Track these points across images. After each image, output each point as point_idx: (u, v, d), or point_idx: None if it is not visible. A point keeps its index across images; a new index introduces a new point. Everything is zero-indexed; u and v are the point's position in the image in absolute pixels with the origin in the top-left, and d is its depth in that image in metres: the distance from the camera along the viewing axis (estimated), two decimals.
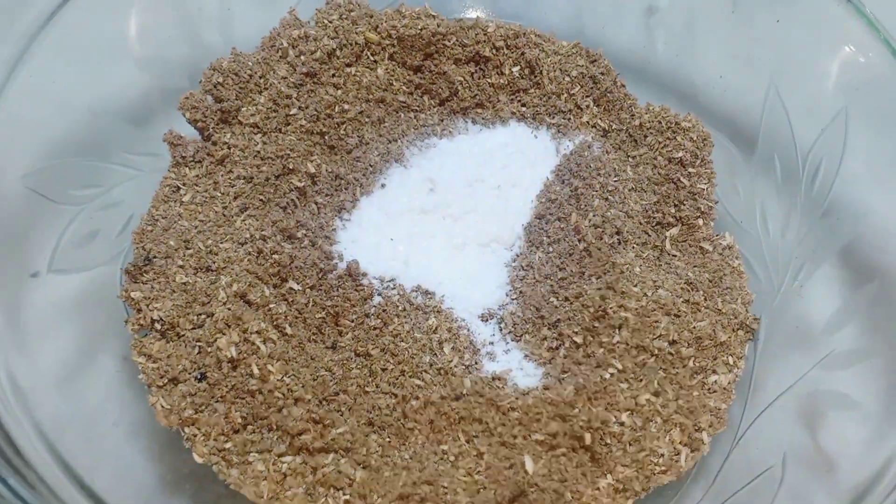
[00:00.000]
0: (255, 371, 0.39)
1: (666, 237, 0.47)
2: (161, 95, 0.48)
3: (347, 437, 0.39)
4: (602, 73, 0.51)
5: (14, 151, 0.39)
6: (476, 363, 0.42)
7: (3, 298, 0.37)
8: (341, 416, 0.40)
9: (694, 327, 0.42)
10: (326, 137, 0.48)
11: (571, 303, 0.43)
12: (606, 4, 0.59)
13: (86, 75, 0.45)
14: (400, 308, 0.43)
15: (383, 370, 0.42)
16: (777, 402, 0.39)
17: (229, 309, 0.40)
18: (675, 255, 0.46)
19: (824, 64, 0.45)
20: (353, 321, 0.43)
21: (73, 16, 0.46)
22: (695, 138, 0.49)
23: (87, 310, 0.42)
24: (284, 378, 0.39)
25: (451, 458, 0.39)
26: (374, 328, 0.43)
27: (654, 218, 0.48)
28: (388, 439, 0.40)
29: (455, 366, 0.42)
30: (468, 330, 0.43)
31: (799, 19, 0.49)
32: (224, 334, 0.39)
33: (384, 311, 0.43)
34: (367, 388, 0.41)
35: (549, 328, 0.44)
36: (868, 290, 0.39)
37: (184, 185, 0.46)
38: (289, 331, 0.41)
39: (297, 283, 0.43)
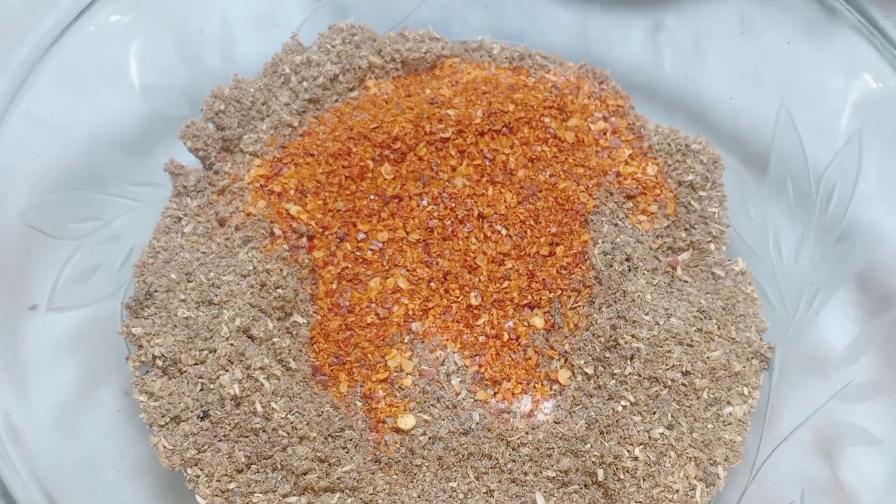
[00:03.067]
0: (259, 409, 0.38)
1: (677, 262, 0.46)
2: (161, 124, 0.47)
3: (353, 476, 0.38)
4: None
5: (11, 186, 0.38)
6: (484, 396, 0.41)
7: (2, 336, 0.36)
8: (347, 453, 0.39)
9: (708, 357, 0.41)
10: None
11: (582, 332, 0.43)
12: (612, 23, 0.58)
13: (84, 105, 0.45)
14: (404, 340, 0.42)
15: (389, 406, 0.41)
16: (794, 434, 0.38)
17: (232, 344, 0.39)
18: (686, 282, 0.45)
19: (836, 86, 0.44)
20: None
21: (71, 45, 0.45)
22: (705, 161, 0.48)
23: (86, 346, 0.41)
24: (289, 416, 0.38)
25: (461, 496, 0.38)
26: (379, 362, 0.42)
27: (665, 243, 0.46)
28: (395, 477, 0.39)
29: (462, 399, 0.41)
30: (475, 362, 0.42)
31: (809, 40, 0.48)
32: (227, 371, 0.39)
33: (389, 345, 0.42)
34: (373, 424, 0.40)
35: (558, 358, 0.43)
36: (886, 319, 0.38)
37: (185, 215, 0.45)
38: (293, 365, 0.40)
39: (302, 317, 0.43)
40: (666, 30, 0.59)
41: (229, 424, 0.38)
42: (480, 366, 0.42)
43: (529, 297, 0.44)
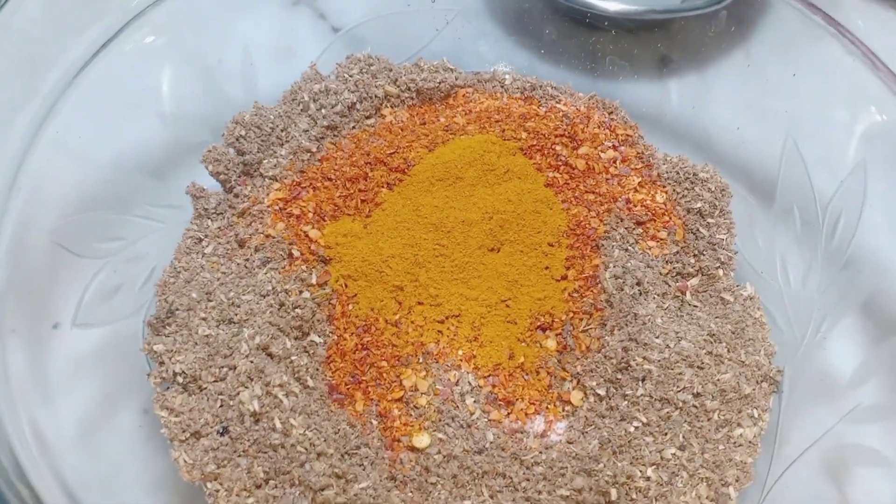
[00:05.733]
0: (278, 425, 0.38)
1: (687, 287, 0.47)
2: (183, 148, 0.49)
3: (370, 493, 0.38)
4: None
5: (40, 207, 0.39)
6: (498, 416, 0.42)
7: (29, 352, 0.37)
8: (363, 470, 0.39)
9: (718, 380, 0.42)
10: None
11: (593, 354, 0.43)
12: (619, 57, 0.60)
13: (109, 130, 0.46)
14: (419, 360, 0.43)
15: (405, 424, 0.42)
16: (803, 455, 0.38)
17: (252, 362, 0.40)
18: (696, 306, 0.46)
19: (841, 117, 0.45)
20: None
21: (97, 72, 0.46)
22: (713, 189, 0.49)
23: (108, 363, 0.42)
24: (306, 432, 0.39)
25: None
26: (394, 381, 0.43)
27: (674, 268, 0.47)
28: (410, 494, 0.40)
29: (476, 419, 0.42)
30: (489, 382, 0.43)
31: (814, 73, 0.50)
32: (246, 388, 0.39)
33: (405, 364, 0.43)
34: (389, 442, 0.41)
35: (570, 380, 0.43)
36: (892, 344, 0.39)
37: (206, 236, 0.46)
38: (310, 383, 0.41)
39: (319, 337, 0.43)
40: (673, 63, 0.61)
41: (248, 440, 0.38)
42: (494, 386, 0.43)
43: (542, 319, 0.45)
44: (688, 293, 0.47)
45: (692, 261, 0.48)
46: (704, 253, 0.48)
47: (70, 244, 0.40)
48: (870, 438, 0.36)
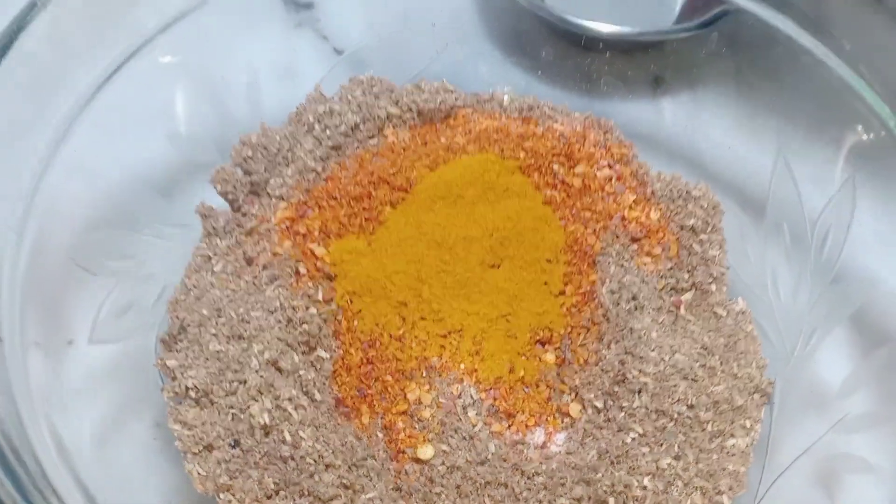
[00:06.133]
0: (288, 437, 0.40)
1: (681, 302, 0.48)
2: (192, 168, 0.50)
3: (377, 503, 0.40)
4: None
5: (57, 225, 0.41)
6: (499, 428, 0.43)
7: (48, 365, 0.38)
8: (370, 481, 0.41)
9: (711, 391, 0.43)
10: None
11: (591, 367, 0.45)
12: (613, 77, 0.62)
13: (120, 150, 0.47)
14: (423, 374, 0.44)
15: (409, 437, 0.43)
16: (794, 464, 0.40)
17: (261, 376, 0.41)
18: (689, 320, 0.48)
19: (830, 134, 0.47)
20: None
21: (107, 96, 0.48)
22: (705, 206, 0.51)
23: (122, 378, 0.44)
24: (315, 444, 0.40)
25: None
26: (398, 395, 0.44)
27: (669, 283, 0.49)
28: None
29: (479, 431, 0.43)
30: (490, 395, 0.44)
31: (804, 91, 0.51)
32: (257, 401, 0.41)
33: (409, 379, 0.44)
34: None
35: (569, 392, 0.45)
36: (880, 355, 0.41)
37: (215, 254, 0.48)
38: (318, 397, 0.43)
39: (326, 352, 0.45)
40: (666, 83, 0.63)
41: (259, 452, 0.40)
42: (495, 399, 0.44)
43: (541, 333, 0.46)
44: (682, 308, 0.48)
45: (686, 276, 0.49)
46: (698, 268, 0.49)
47: (85, 262, 0.42)
48: (859, 447, 0.37)
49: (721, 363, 0.45)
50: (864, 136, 0.45)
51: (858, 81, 0.48)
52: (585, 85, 0.62)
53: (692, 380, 0.44)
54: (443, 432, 0.43)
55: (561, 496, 0.40)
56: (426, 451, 0.42)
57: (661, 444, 0.42)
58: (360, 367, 0.45)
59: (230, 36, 0.57)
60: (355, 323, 0.46)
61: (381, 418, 0.44)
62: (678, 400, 0.43)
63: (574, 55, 0.63)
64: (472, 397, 0.44)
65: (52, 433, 0.35)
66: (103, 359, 0.43)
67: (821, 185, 0.47)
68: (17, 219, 0.40)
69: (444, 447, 0.42)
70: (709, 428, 0.42)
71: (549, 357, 0.46)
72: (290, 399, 0.41)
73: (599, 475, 0.40)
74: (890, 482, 0.33)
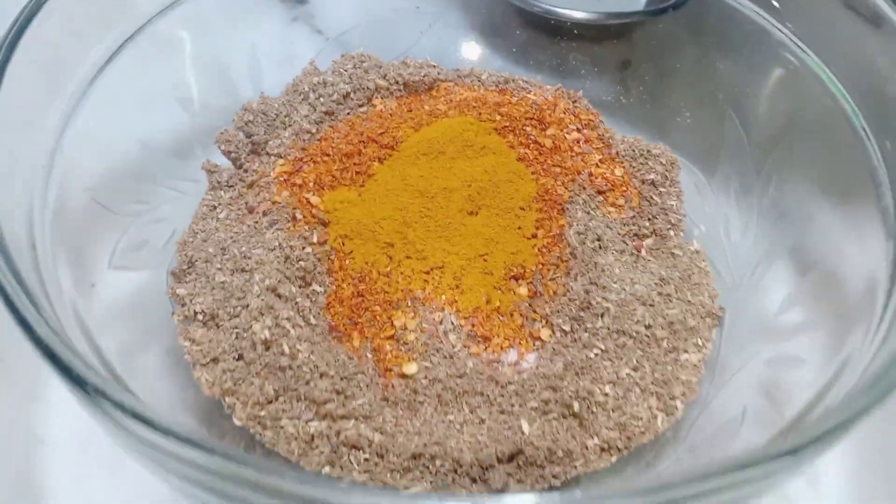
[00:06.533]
0: (286, 349, 0.44)
1: (642, 246, 0.53)
2: (201, 133, 0.55)
3: (366, 408, 0.44)
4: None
5: (80, 169, 0.46)
6: (477, 350, 0.48)
7: (74, 299, 0.43)
8: (360, 391, 0.45)
9: (667, 314, 0.48)
10: None
11: (560, 298, 0.50)
12: (585, 60, 0.67)
13: (138, 115, 0.52)
14: (408, 304, 0.49)
15: (395, 357, 0.48)
16: (739, 374, 0.44)
17: (262, 300, 0.46)
18: (649, 260, 0.53)
19: (772, 91, 0.53)
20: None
21: (119, 70, 0.53)
22: (664, 162, 0.56)
23: (136, 312, 0.48)
24: (311, 356, 0.45)
25: (458, 426, 0.45)
26: (386, 322, 0.49)
27: (631, 230, 0.54)
28: (401, 412, 0.45)
29: (458, 351, 0.48)
30: (469, 322, 0.49)
31: (753, 60, 0.57)
32: (258, 321, 0.45)
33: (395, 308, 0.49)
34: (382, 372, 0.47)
35: (540, 320, 0.50)
36: (811, 277, 0.46)
37: (219, 205, 0.53)
38: (313, 321, 0.47)
39: (320, 286, 0.50)
40: (632, 66, 0.68)
41: (260, 364, 0.44)
42: (473, 325, 0.49)
43: (515, 270, 0.51)
44: (643, 251, 0.53)
45: (647, 224, 0.54)
46: (657, 217, 0.54)
47: (104, 200, 0.47)
48: (793, 348, 0.42)
49: (676, 291, 0.50)
50: (802, 87, 0.50)
51: (812, 60, 0.54)
52: (558, 67, 0.67)
53: (650, 305, 0.48)
54: (426, 352, 0.47)
55: (530, 400, 0.45)
56: (411, 368, 0.47)
57: (622, 359, 0.46)
58: (351, 299, 0.50)
59: (231, 25, 0.63)
60: (347, 262, 0.51)
61: (371, 342, 0.48)
62: (637, 321, 0.47)
63: (548, 42, 0.69)
64: (452, 324, 0.49)
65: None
66: (119, 294, 0.48)
67: (765, 138, 0.52)
68: (43, 169, 0.45)
69: (427, 364, 0.47)
70: (664, 345, 0.47)
71: (522, 290, 0.51)
72: (288, 318, 0.46)
73: (565, 383, 0.45)
74: (817, 371, 0.37)
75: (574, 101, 0.60)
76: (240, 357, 0.45)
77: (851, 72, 0.51)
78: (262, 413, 0.43)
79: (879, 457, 0.47)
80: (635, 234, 0.54)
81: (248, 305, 0.46)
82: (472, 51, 0.65)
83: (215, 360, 0.45)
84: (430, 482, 0.43)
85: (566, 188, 0.54)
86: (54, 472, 0.48)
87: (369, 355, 0.48)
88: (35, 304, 0.33)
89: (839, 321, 0.40)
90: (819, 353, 0.39)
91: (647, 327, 0.47)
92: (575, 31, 0.68)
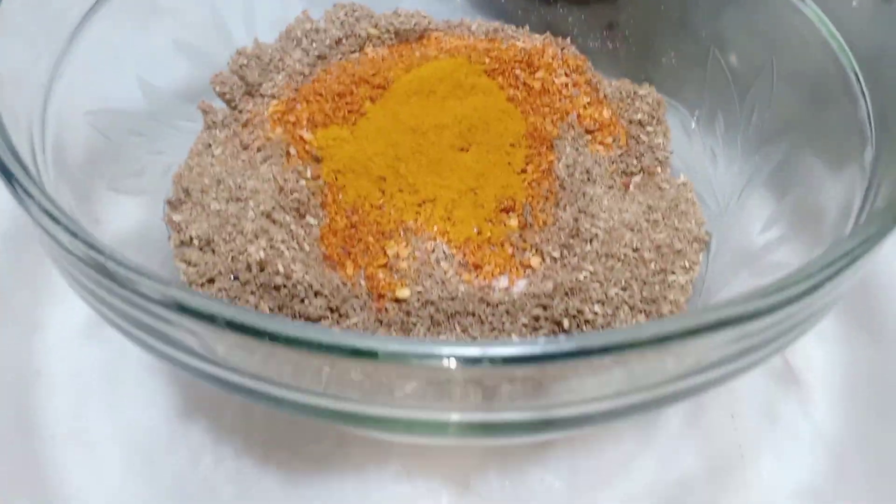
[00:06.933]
0: (281, 269, 0.45)
1: (630, 182, 0.54)
2: (197, 76, 0.56)
3: (360, 327, 0.45)
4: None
5: (79, 96, 0.47)
6: (468, 277, 0.49)
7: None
8: (355, 311, 0.46)
9: (654, 238, 0.49)
10: None
11: (549, 227, 0.51)
12: (572, 22, 0.69)
13: (136, 54, 0.53)
14: (401, 234, 0.50)
15: (388, 283, 0.48)
16: (725, 289, 0.45)
17: (257, 224, 0.47)
18: (637, 194, 0.54)
19: (752, 26, 0.54)
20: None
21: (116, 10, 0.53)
22: (650, 102, 0.57)
23: (141, 246, 0.49)
24: (305, 276, 0.45)
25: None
26: (379, 252, 0.50)
27: (619, 168, 0.55)
28: (394, 333, 0.46)
29: (450, 277, 0.49)
30: (461, 251, 0.50)
31: (744, 17, 0.58)
32: (253, 243, 0.46)
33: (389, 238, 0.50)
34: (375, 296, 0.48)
35: (530, 249, 0.51)
36: (791, 198, 0.47)
37: (214, 142, 0.54)
38: (307, 248, 0.48)
39: (314, 219, 0.50)
40: (618, 27, 0.70)
41: (256, 283, 0.45)
42: (465, 254, 0.50)
43: (505, 202, 0.52)
44: (631, 186, 0.54)
45: (634, 161, 0.56)
46: (645, 155, 0.56)
47: (103, 129, 0.48)
48: (776, 257, 0.43)
49: (664, 219, 0.51)
50: (781, 21, 0.52)
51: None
52: (544, 28, 0.68)
53: (637, 231, 0.49)
54: (418, 278, 0.48)
55: (521, 318, 0.45)
56: (403, 292, 0.48)
57: (610, 280, 0.47)
58: (344, 230, 0.50)
59: None
60: (340, 196, 0.52)
61: (364, 270, 0.49)
62: (625, 245, 0.48)
63: (536, 4, 0.70)
64: (444, 252, 0.50)
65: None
66: (125, 231, 0.49)
67: (747, 73, 0.53)
68: (40, 102, 0.46)
69: (419, 288, 0.48)
70: (652, 266, 0.48)
71: (513, 222, 0.52)
72: (282, 241, 0.46)
73: (555, 301, 0.46)
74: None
75: (562, 48, 0.61)
76: (235, 278, 0.46)
77: (842, 12, 0.52)
78: None
79: (869, 378, 0.48)
80: (623, 172, 0.55)
81: (243, 230, 0.47)
82: (459, 12, 0.66)
83: (211, 281, 0.46)
84: None
85: (555, 126, 0.55)
86: (51, 403, 0.49)
87: (363, 283, 0.49)
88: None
89: (819, 232, 0.41)
90: (799, 258, 0.40)
91: (635, 250, 0.48)
92: None
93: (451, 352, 0.25)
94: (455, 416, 0.31)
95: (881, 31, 0.47)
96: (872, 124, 0.44)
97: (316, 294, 0.45)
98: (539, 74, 0.58)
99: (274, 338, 0.25)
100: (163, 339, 0.30)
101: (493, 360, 0.26)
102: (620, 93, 0.58)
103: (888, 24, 0.46)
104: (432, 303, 0.47)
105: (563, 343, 0.26)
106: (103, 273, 0.28)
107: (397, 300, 0.48)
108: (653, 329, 0.26)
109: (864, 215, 0.37)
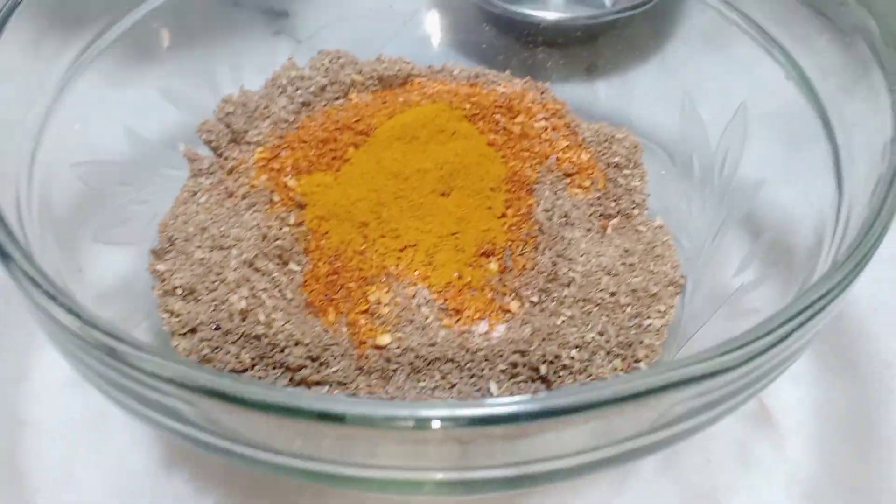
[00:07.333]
0: (262, 318, 0.46)
1: (608, 225, 0.55)
2: (184, 124, 0.58)
3: (340, 375, 0.46)
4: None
5: (66, 149, 0.48)
6: (448, 322, 0.50)
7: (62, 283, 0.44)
8: (335, 359, 0.47)
9: (630, 282, 0.50)
10: None
11: (528, 272, 0.52)
12: (553, 64, 0.70)
13: (124, 105, 0.55)
14: (382, 280, 0.51)
15: (370, 330, 0.49)
16: (700, 332, 0.46)
17: (239, 273, 0.48)
18: (614, 236, 0.55)
19: (724, 69, 0.55)
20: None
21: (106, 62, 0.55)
22: (628, 146, 0.59)
23: (123, 295, 0.50)
24: (286, 325, 0.46)
25: (429, 391, 0.46)
26: (361, 298, 0.50)
27: (597, 211, 0.56)
28: (374, 380, 0.47)
29: (431, 322, 0.49)
30: (441, 296, 0.51)
31: (716, 59, 0.60)
32: (235, 293, 0.47)
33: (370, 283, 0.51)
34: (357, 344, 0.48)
35: (510, 293, 0.51)
36: (765, 239, 0.48)
37: (200, 190, 0.55)
38: (289, 295, 0.49)
39: (297, 265, 0.51)
40: (598, 69, 0.71)
41: (237, 333, 0.46)
42: (446, 299, 0.51)
43: (486, 247, 0.53)
44: (609, 229, 0.55)
45: (612, 204, 0.57)
46: (623, 197, 0.57)
47: (88, 179, 0.49)
48: (749, 303, 0.44)
49: (640, 262, 0.52)
50: (763, 81, 0.53)
51: (767, 48, 0.56)
52: (526, 71, 0.70)
53: (614, 274, 0.50)
54: (399, 324, 0.49)
55: (499, 364, 0.46)
56: (384, 339, 0.48)
57: (587, 324, 0.48)
58: (327, 276, 0.51)
59: (214, 36, 0.65)
60: (323, 241, 0.53)
61: (346, 317, 0.50)
62: (602, 289, 0.49)
63: (517, 48, 0.71)
64: (425, 298, 0.51)
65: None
66: (107, 281, 0.50)
67: (719, 118, 0.55)
68: (27, 154, 0.47)
69: (400, 335, 0.48)
70: (628, 310, 0.49)
71: (493, 266, 0.52)
72: (264, 290, 0.47)
73: (533, 347, 0.47)
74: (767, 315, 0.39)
75: (542, 93, 0.63)
76: (217, 328, 0.46)
77: (805, 52, 0.53)
78: None
79: (843, 417, 0.49)
80: (601, 214, 0.56)
81: (225, 279, 0.48)
82: (442, 56, 0.67)
83: (193, 331, 0.46)
84: None
85: (534, 171, 0.56)
86: (37, 453, 0.50)
87: (344, 329, 0.50)
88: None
89: (791, 274, 0.42)
90: (772, 302, 0.41)
91: (612, 294, 0.49)
92: (540, 38, 0.71)
93: (412, 414, 0.26)
94: (431, 475, 0.31)
95: (845, 75, 0.48)
96: (840, 166, 0.45)
97: (296, 343, 0.46)
98: (519, 119, 0.59)
99: (238, 401, 0.25)
100: (138, 400, 0.31)
101: (456, 421, 0.26)
102: (598, 136, 0.59)
103: (852, 67, 0.48)
104: (412, 349, 0.48)
105: (524, 404, 0.27)
106: (79, 338, 0.29)
107: (378, 346, 0.48)
108: (613, 388, 0.27)
109: (830, 262, 0.38)
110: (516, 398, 0.28)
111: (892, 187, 0.33)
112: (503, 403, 0.27)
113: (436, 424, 0.26)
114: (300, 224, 0.53)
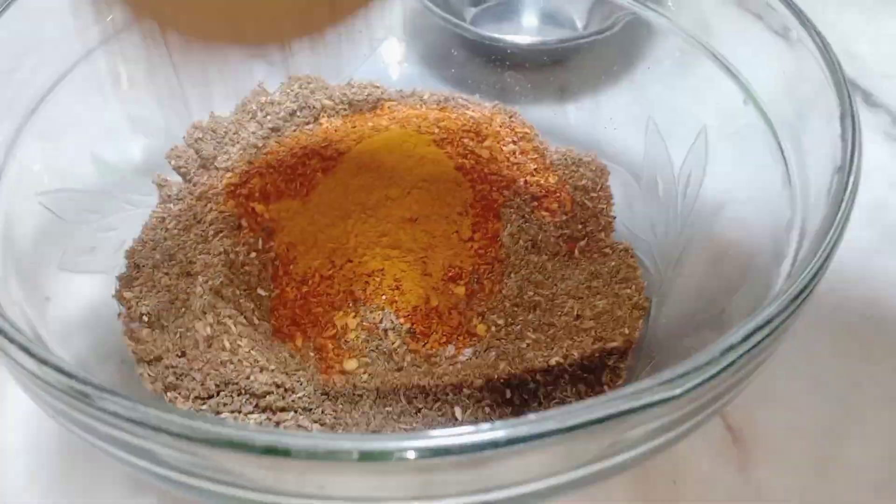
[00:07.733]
0: (227, 345, 0.46)
1: (575, 248, 0.56)
2: (153, 150, 0.58)
3: (305, 401, 0.46)
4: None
5: (30, 176, 0.48)
6: (415, 347, 0.50)
7: (26, 314, 0.44)
8: (301, 385, 0.47)
9: (594, 305, 0.50)
10: None
11: (495, 295, 0.52)
12: (523, 87, 0.71)
13: (91, 130, 0.55)
14: (349, 305, 0.51)
15: (337, 355, 0.49)
16: (663, 354, 0.47)
17: (205, 300, 0.48)
18: (581, 259, 0.55)
19: (688, 98, 0.56)
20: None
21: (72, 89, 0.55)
22: (594, 169, 0.59)
23: (91, 324, 0.49)
24: (252, 351, 0.46)
25: (395, 416, 0.46)
26: (328, 323, 0.51)
27: (564, 234, 0.57)
28: (340, 406, 0.47)
29: (397, 347, 0.50)
30: (408, 320, 0.51)
31: (681, 83, 0.61)
32: (200, 320, 0.47)
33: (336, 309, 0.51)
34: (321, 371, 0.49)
35: (476, 317, 0.52)
36: (724, 263, 0.49)
37: (168, 216, 0.55)
38: (256, 321, 0.49)
39: (264, 291, 0.52)
40: (569, 92, 0.72)
41: (202, 360, 0.46)
42: (413, 323, 0.51)
43: (453, 271, 0.53)
44: (576, 251, 0.56)
45: (580, 227, 0.57)
46: (589, 220, 0.57)
47: (56, 209, 0.49)
48: (713, 323, 0.45)
49: (604, 285, 0.52)
50: (722, 102, 0.54)
51: (733, 72, 0.57)
52: (498, 94, 0.70)
53: (579, 298, 0.51)
54: (366, 349, 0.49)
55: (465, 389, 0.47)
56: (351, 364, 0.49)
57: (552, 348, 0.49)
58: (294, 302, 0.51)
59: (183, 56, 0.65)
60: (291, 267, 0.53)
61: (313, 342, 0.50)
62: (566, 313, 0.50)
63: (488, 72, 0.72)
64: (392, 322, 0.51)
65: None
66: (74, 311, 0.49)
67: (682, 140, 0.55)
68: None
69: (367, 360, 0.49)
70: (592, 334, 0.49)
71: (460, 290, 0.53)
72: (230, 316, 0.48)
73: (498, 371, 0.47)
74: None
75: (511, 117, 0.63)
76: (182, 354, 0.46)
77: (763, 79, 0.54)
78: (204, 407, 0.45)
79: (810, 438, 0.50)
80: (568, 237, 0.57)
81: (191, 306, 0.48)
82: (412, 81, 0.68)
83: (158, 359, 0.46)
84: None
85: (502, 194, 0.57)
86: (6, 479, 0.49)
87: (311, 354, 0.50)
88: None
89: (753, 295, 0.43)
90: (738, 322, 0.41)
91: (576, 318, 0.50)
92: (511, 62, 0.71)
93: (355, 447, 0.26)
94: None
95: (796, 99, 0.49)
96: (797, 189, 0.46)
97: (261, 370, 0.46)
98: (487, 143, 0.60)
99: (184, 438, 0.25)
100: (98, 437, 0.31)
101: (414, 451, 0.26)
102: (566, 159, 0.60)
103: (803, 93, 0.49)
104: (378, 375, 0.48)
105: (458, 437, 0.27)
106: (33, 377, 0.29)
107: (344, 372, 0.49)
108: (558, 420, 0.27)
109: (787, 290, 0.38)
110: (451, 430, 0.28)
111: (836, 221, 0.34)
112: (446, 435, 0.27)
113: (382, 457, 0.26)
114: (268, 250, 0.53)
